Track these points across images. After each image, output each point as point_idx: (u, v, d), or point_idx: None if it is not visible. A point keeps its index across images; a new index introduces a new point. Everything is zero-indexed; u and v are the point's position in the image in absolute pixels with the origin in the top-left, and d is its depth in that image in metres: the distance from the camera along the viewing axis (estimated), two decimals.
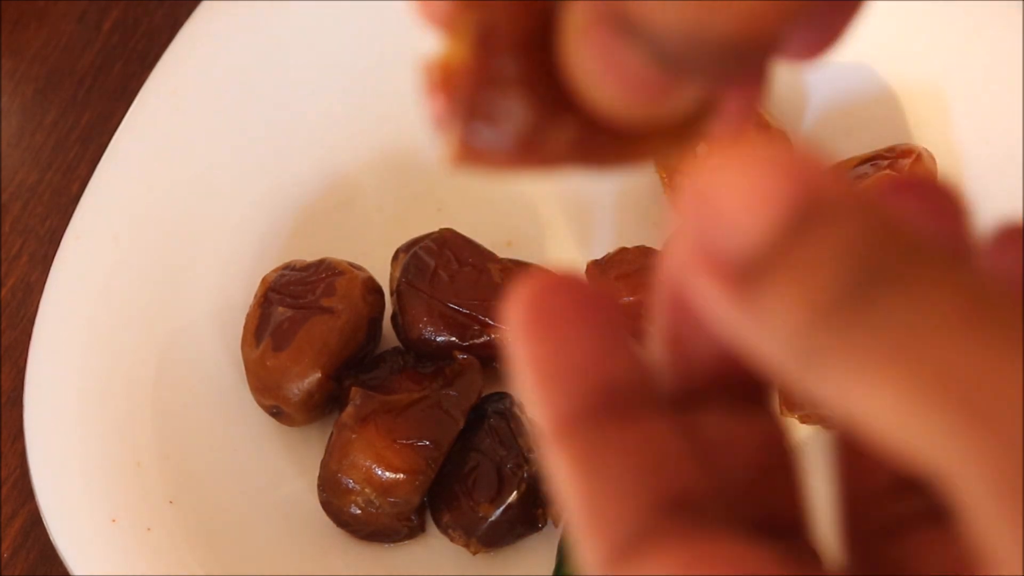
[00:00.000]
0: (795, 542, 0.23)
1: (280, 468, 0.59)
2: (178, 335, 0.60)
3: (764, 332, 0.19)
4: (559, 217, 0.66)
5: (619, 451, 0.22)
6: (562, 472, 0.22)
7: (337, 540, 0.58)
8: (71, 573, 0.54)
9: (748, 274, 0.19)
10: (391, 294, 0.60)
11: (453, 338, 0.58)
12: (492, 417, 0.58)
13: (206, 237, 0.63)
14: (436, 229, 0.61)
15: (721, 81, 0.23)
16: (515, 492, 0.56)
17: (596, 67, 0.22)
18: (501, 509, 0.56)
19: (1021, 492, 0.17)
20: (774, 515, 0.23)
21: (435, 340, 0.58)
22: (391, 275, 0.61)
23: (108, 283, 0.60)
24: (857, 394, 0.18)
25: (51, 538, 0.54)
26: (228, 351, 0.61)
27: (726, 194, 0.19)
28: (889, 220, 0.19)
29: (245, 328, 0.59)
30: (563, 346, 0.22)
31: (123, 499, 0.55)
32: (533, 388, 0.22)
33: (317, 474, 0.58)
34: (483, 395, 0.58)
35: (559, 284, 0.22)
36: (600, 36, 0.22)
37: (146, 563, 0.54)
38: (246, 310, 0.60)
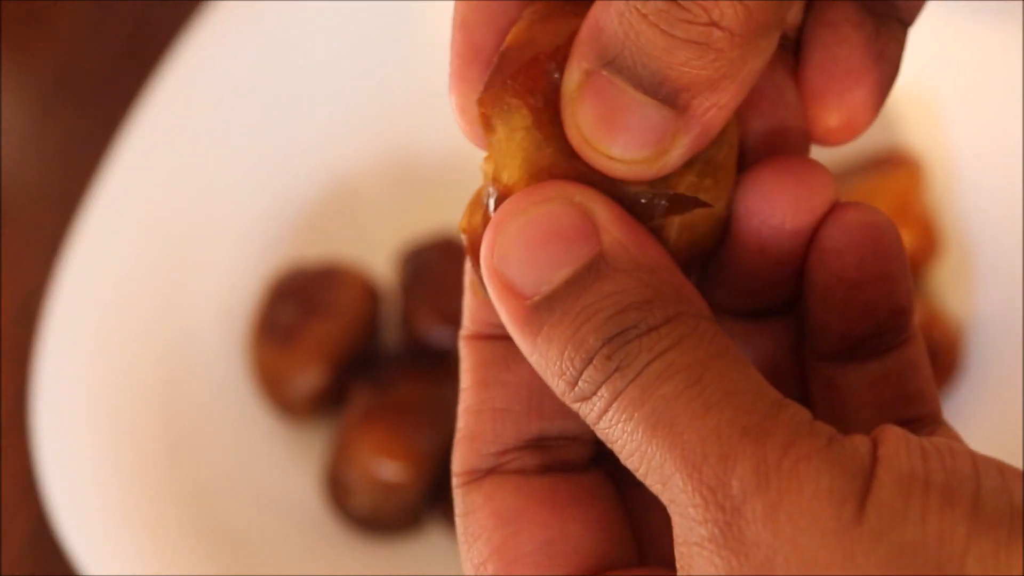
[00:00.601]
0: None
1: (285, 466, 0.60)
2: (184, 335, 0.61)
3: (543, 363, 0.24)
4: None
5: (509, 381, 0.27)
6: (463, 370, 0.27)
7: (340, 537, 0.58)
8: (81, 573, 0.54)
9: (532, 317, 0.24)
10: (394, 293, 0.61)
11: (455, 337, 0.59)
12: None
13: (211, 238, 0.63)
14: (437, 229, 0.61)
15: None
16: None
17: (599, 118, 0.24)
18: None
19: (705, 498, 0.22)
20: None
21: (436, 340, 0.59)
22: (395, 274, 0.61)
23: (114, 284, 0.60)
24: (600, 428, 0.23)
25: (61, 539, 0.55)
26: (234, 351, 0.61)
27: (526, 243, 0.24)
28: (659, 282, 0.23)
29: (250, 328, 0.60)
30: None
31: (132, 499, 0.56)
32: (470, 287, 0.28)
33: (319, 473, 0.58)
34: None
35: None
36: (598, 88, 0.24)
37: (153, 562, 0.54)
38: (250, 310, 0.61)
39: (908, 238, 0.56)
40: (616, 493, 0.27)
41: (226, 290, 0.62)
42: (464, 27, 0.27)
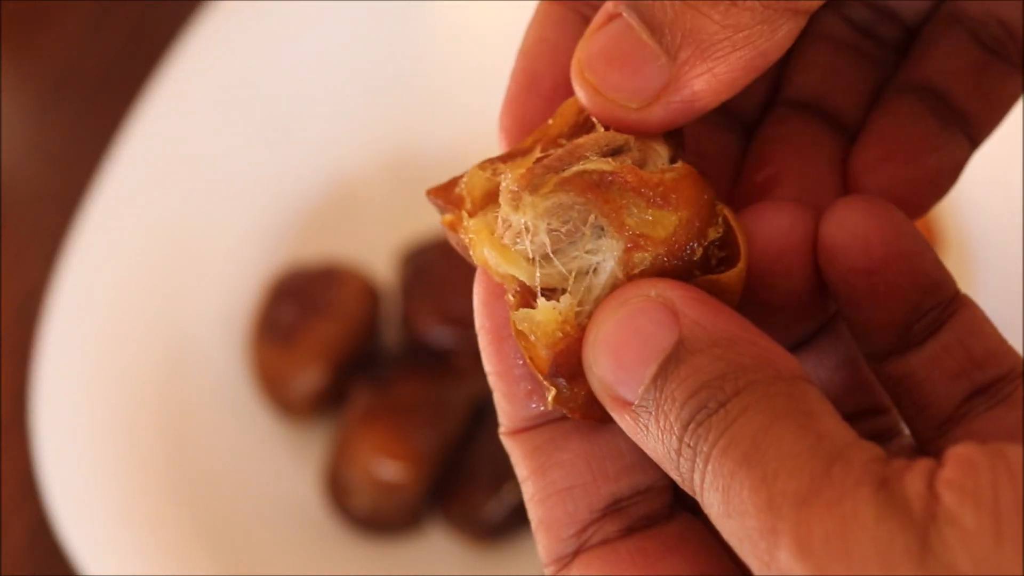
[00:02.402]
0: None
1: (285, 466, 0.60)
2: (184, 335, 0.61)
3: (651, 447, 0.24)
4: None
5: (566, 459, 0.27)
6: (518, 464, 0.27)
7: (340, 537, 0.58)
8: (80, 572, 0.54)
9: (635, 411, 0.24)
10: (395, 294, 0.61)
11: (455, 337, 0.59)
12: (493, 416, 0.58)
13: (211, 238, 0.63)
14: (438, 229, 0.61)
15: None
16: (516, 491, 0.56)
17: (603, 50, 0.25)
18: (502, 508, 0.56)
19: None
20: None
21: (437, 340, 0.59)
22: (395, 275, 0.61)
23: (114, 284, 0.60)
24: (704, 496, 0.23)
25: (60, 538, 0.55)
26: (234, 351, 0.61)
27: (615, 351, 0.24)
28: (734, 353, 0.24)
29: (250, 328, 0.60)
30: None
31: (131, 499, 0.56)
32: (496, 387, 0.28)
33: (321, 472, 0.58)
34: (484, 394, 0.58)
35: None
36: (614, 26, 0.25)
37: (154, 562, 0.54)
38: (251, 310, 0.60)
39: None
40: (706, 528, 0.26)
41: (226, 290, 0.62)
42: (526, 56, 0.28)
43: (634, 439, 0.25)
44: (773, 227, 0.26)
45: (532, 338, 0.26)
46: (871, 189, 0.28)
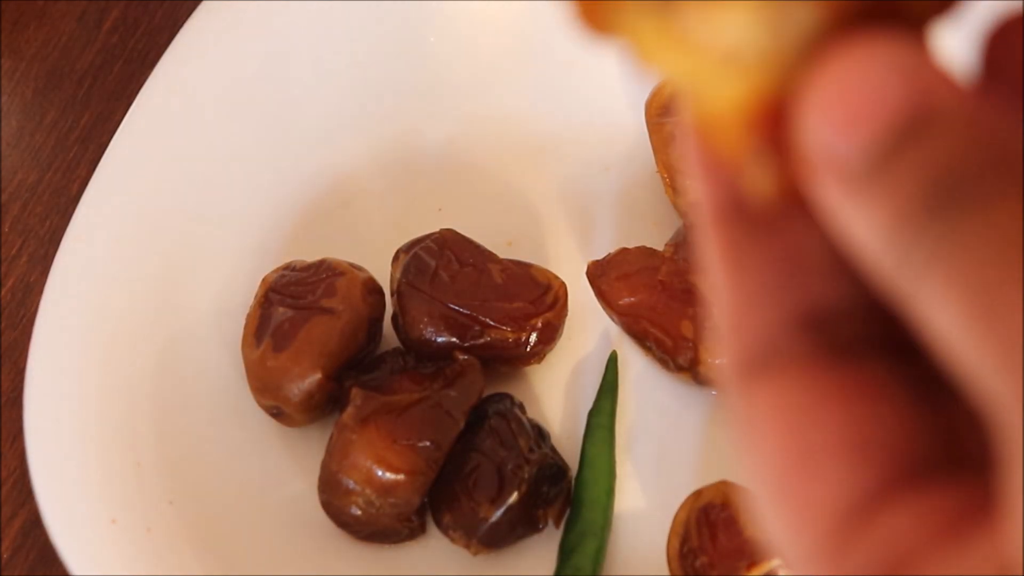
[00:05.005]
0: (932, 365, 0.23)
1: (280, 469, 0.59)
2: (178, 335, 0.60)
3: (865, 228, 0.21)
4: (559, 217, 0.66)
5: (766, 256, 0.23)
6: (714, 262, 0.24)
7: (337, 541, 0.57)
8: (71, 574, 0.53)
9: (857, 176, 0.21)
10: (391, 295, 0.60)
11: (454, 338, 0.58)
12: (493, 418, 0.58)
13: (206, 237, 0.63)
14: (436, 229, 0.61)
15: None
16: (516, 493, 0.56)
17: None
18: (502, 510, 0.55)
19: None
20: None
21: (436, 340, 0.58)
22: (391, 275, 0.60)
23: (108, 283, 0.60)
24: (924, 298, 0.20)
25: (51, 539, 0.54)
26: (228, 351, 0.60)
27: (844, 101, 0.21)
28: (989, 136, 0.20)
29: (245, 329, 0.59)
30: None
31: (123, 499, 0.55)
32: (695, 174, 0.24)
33: (317, 475, 0.58)
34: (484, 395, 0.58)
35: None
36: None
37: (146, 564, 0.54)
38: (246, 310, 0.60)
39: None
40: (908, 377, 0.23)
41: (223, 290, 0.62)
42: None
43: (837, 219, 0.21)
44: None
45: (719, 115, 0.22)
46: None
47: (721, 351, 0.24)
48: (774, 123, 0.22)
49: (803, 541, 0.22)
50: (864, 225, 0.21)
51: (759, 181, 0.23)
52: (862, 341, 0.23)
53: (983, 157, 0.20)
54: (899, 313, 0.22)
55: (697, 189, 0.24)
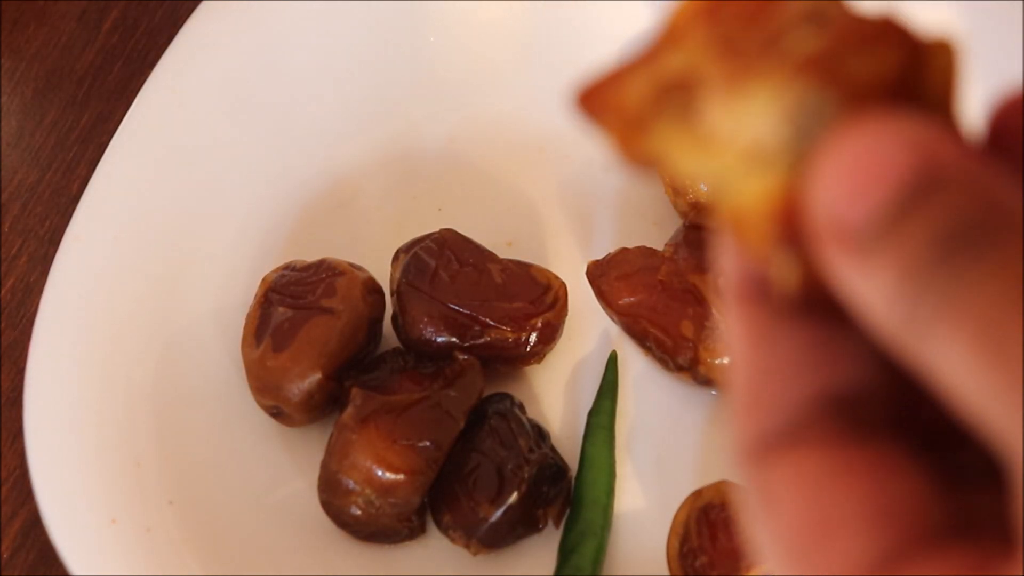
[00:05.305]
0: (960, 454, 0.23)
1: (280, 469, 0.59)
2: (178, 335, 0.60)
3: (874, 292, 0.22)
4: (559, 217, 0.66)
5: (794, 338, 0.24)
6: (735, 339, 0.25)
7: (337, 541, 0.57)
8: (71, 574, 0.53)
9: (864, 242, 0.22)
10: (391, 294, 0.60)
11: (453, 338, 0.58)
12: (493, 418, 0.58)
13: (206, 237, 0.63)
14: (436, 229, 0.61)
15: None
16: (516, 493, 0.56)
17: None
18: (502, 510, 0.55)
19: None
20: (943, 421, 0.24)
21: (435, 340, 0.58)
22: (391, 275, 0.60)
23: (108, 283, 0.60)
24: (932, 347, 0.21)
25: (51, 539, 0.54)
26: (228, 351, 0.60)
27: (852, 172, 0.22)
28: (992, 192, 0.21)
29: (245, 328, 0.59)
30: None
31: (123, 499, 0.55)
32: (725, 253, 0.25)
33: (317, 475, 0.58)
34: (483, 395, 0.58)
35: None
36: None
37: (146, 563, 0.54)
38: (246, 310, 0.60)
39: None
40: (923, 454, 0.24)
41: (223, 290, 0.62)
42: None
43: (848, 287, 0.22)
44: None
45: (745, 210, 0.23)
46: None
47: (733, 426, 0.25)
48: (797, 216, 0.23)
49: None
50: (873, 289, 0.22)
51: (785, 272, 0.24)
52: (883, 423, 0.24)
53: (986, 210, 0.21)
54: (917, 385, 0.22)
55: (725, 268, 0.25)
